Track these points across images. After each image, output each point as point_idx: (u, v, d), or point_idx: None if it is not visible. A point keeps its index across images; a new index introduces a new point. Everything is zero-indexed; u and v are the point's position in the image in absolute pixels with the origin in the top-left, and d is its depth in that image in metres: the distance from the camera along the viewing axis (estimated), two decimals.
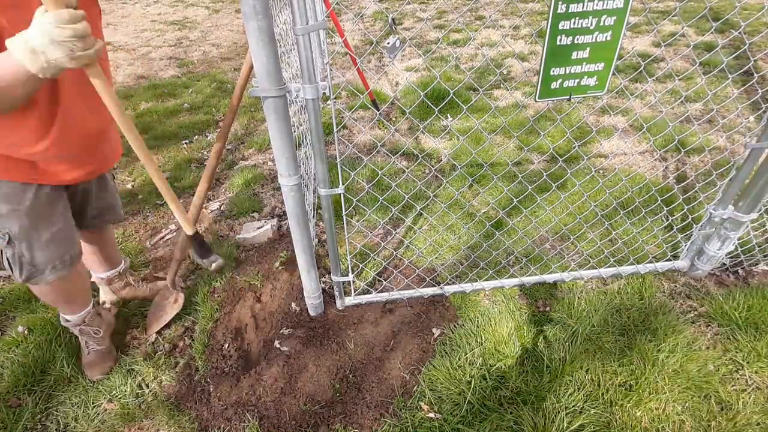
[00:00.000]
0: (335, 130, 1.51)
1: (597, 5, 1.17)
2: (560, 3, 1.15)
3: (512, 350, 1.66)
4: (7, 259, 1.25)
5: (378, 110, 3.41)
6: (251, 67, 1.15)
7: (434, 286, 1.89)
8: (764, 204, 1.66)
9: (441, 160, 2.89)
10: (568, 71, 1.29)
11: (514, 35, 5.24)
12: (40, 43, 0.86)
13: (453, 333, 1.74)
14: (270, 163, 2.99)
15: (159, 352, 1.72)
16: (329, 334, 1.76)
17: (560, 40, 1.22)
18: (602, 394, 1.52)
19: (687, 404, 1.48)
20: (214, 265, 1.69)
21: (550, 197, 2.43)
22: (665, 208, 2.04)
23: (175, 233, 2.35)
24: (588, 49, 1.25)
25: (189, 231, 1.56)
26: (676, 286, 1.93)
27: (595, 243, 2.08)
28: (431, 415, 1.48)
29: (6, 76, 0.89)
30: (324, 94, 1.16)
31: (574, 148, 2.74)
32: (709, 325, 1.75)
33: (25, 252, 1.25)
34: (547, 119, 3.34)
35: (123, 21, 6.60)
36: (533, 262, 2.01)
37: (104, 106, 1.10)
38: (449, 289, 1.86)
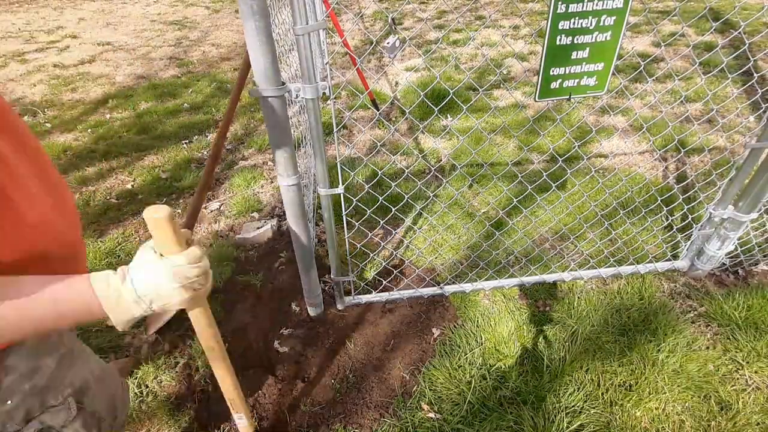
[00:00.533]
0: (335, 130, 1.51)
1: (597, 5, 1.17)
2: (560, 3, 1.15)
3: (512, 350, 1.66)
4: None
5: (378, 110, 3.41)
6: (249, 68, 1.14)
7: (434, 286, 1.89)
8: (764, 204, 1.66)
9: (441, 160, 2.89)
10: (567, 71, 1.29)
11: (514, 35, 5.24)
12: (164, 290, 0.68)
13: (453, 333, 1.74)
14: (270, 163, 2.99)
15: (159, 352, 1.72)
16: (329, 334, 1.76)
17: (560, 40, 1.22)
18: (602, 394, 1.51)
19: (687, 404, 1.48)
20: None
21: (550, 197, 2.43)
22: (665, 208, 2.04)
23: None
24: (588, 49, 1.25)
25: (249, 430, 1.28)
26: (676, 286, 1.92)
27: (595, 243, 2.08)
28: (431, 415, 1.48)
29: (65, 318, 0.64)
30: (324, 94, 1.16)
31: (574, 148, 2.74)
32: (709, 325, 1.75)
33: (99, 401, 0.88)
34: (547, 119, 3.34)
35: (123, 21, 6.60)
36: (533, 262, 2.01)
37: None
38: (449, 289, 1.86)
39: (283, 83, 1.11)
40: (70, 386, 0.81)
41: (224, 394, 1.10)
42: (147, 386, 1.60)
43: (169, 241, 0.70)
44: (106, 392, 0.91)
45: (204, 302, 0.87)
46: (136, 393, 1.58)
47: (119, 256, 2.17)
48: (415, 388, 1.56)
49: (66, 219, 0.78)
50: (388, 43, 3.11)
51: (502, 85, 3.89)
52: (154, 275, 0.68)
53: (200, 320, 0.89)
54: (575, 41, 1.23)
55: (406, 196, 1.83)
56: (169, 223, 0.68)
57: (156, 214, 0.67)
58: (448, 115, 3.47)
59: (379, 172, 1.72)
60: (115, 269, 0.69)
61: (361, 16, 6.19)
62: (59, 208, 0.77)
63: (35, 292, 0.62)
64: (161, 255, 0.70)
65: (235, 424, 1.48)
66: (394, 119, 3.50)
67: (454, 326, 1.77)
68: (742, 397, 1.49)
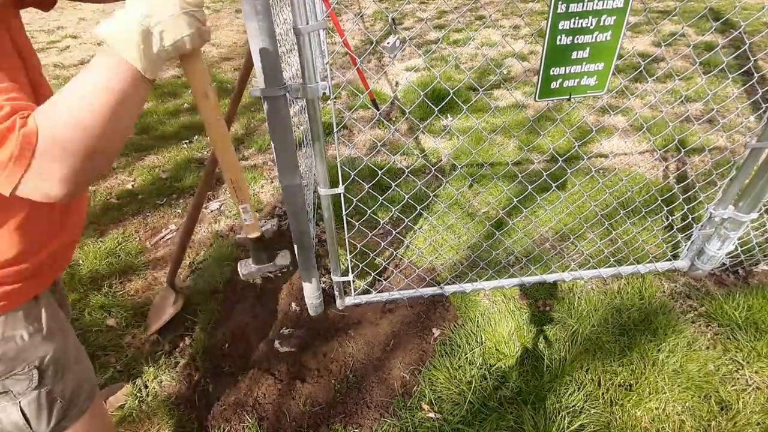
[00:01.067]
0: (335, 130, 1.51)
1: (597, 5, 1.17)
2: (560, 3, 1.15)
3: (512, 350, 1.66)
4: (22, 411, 0.84)
5: (378, 110, 3.41)
6: (250, 68, 1.15)
7: (434, 286, 1.89)
8: (764, 204, 1.66)
9: (441, 160, 2.89)
10: (568, 71, 1.29)
11: (514, 35, 5.24)
12: (162, 19, 0.62)
13: (453, 333, 1.74)
14: (270, 163, 2.99)
15: (159, 352, 1.72)
16: (329, 335, 1.76)
17: (560, 39, 1.22)
18: (602, 393, 1.52)
19: (687, 404, 1.48)
20: (281, 260, 1.30)
21: (550, 197, 2.43)
22: (665, 208, 2.04)
23: (174, 233, 2.35)
24: (588, 48, 1.25)
25: (254, 234, 1.22)
26: (676, 286, 1.92)
27: (595, 243, 2.08)
28: (431, 415, 1.48)
29: (111, 87, 0.60)
30: (324, 94, 1.16)
31: (574, 148, 2.74)
32: (709, 325, 1.75)
33: (58, 383, 0.88)
34: (547, 119, 3.34)
35: None
36: (533, 262, 2.01)
37: None
38: (449, 289, 1.86)
39: (284, 83, 1.11)
40: (38, 359, 0.83)
41: (224, 172, 0.92)
42: (147, 386, 1.60)
43: None
44: (73, 378, 0.91)
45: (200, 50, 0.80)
46: (136, 393, 1.58)
47: (119, 256, 2.17)
48: (415, 388, 1.56)
49: None
50: (388, 43, 3.11)
51: (502, 85, 3.89)
52: (143, 2, 0.62)
53: (194, 64, 0.80)
54: (575, 41, 1.23)
55: (406, 196, 1.83)
56: None
57: None
58: (448, 115, 3.47)
59: (380, 172, 1.72)
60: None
61: (361, 16, 6.19)
62: None
63: (86, 88, 0.60)
64: None
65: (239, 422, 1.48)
66: (394, 119, 3.50)
67: (455, 326, 1.77)
68: (743, 397, 1.49)
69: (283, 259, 1.26)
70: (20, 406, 0.83)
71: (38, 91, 0.78)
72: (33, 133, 0.55)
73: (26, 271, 0.78)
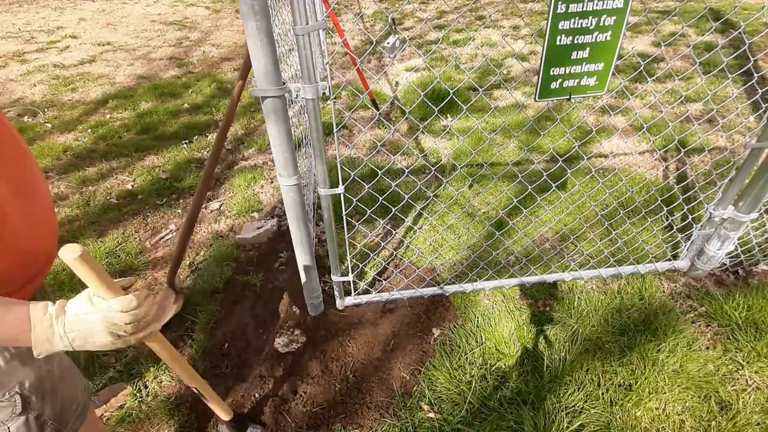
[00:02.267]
0: (335, 130, 1.51)
1: (597, 5, 1.17)
2: (560, 3, 1.15)
3: (512, 350, 1.66)
4: None
5: (378, 110, 3.41)
6: (250, 68, 1.15)
7: (434, 286, 1.89)
8: (764, 204, 1.66)
9: (441, 160, 2.89)
10: (567, 71, 1.29)
11: (514, 35, 5.24)
12: (85, 331, 0.70)
13: (453, 333, 1.74)
14: (270, 163, 2.99)
15: None
16: (329, 334, 1.76)
17: (560, 40, 1.22)
18: (602, 394, 1.51)
19: (687, 404, 1.48)
20: None
21: (550, 197, 2.43)
22: (665, 208, 2.04)
23: (174, 233, 2.35)
24: (588, 49, 1.25)
25: (226, 417, 1.36)
26: (676, 286, 1.92)
27: (595, 243, 2.08)
28: (431, 415, 1.48)
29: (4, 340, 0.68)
30: (324, 94, 1.16)
31: (574, 148, 2.74)
32: (709, 325, 1.75)
33: (46, 405, 0.86)
34: (547, 119, 3.34)
35: (123, 21, 6.60)
36: (533, 262, 2.01)
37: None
38: (449, 289, 1.86)
39: (284, 83, 1.11)
40: (18, 385, 0.81)
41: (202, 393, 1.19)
42: (147, 386, 1.60)
43: (93, 282, 0.71)
44: (61, 396, 0.90)
45: (156, 336, 0.92)
46: (135, 393, 1.58)
47: (119, 256, 2.17)
48: (415, 388, 1.56)
49: (35, 234, 0.80)
50: (388, 43, 3.11)
51: (502, 85, 3.89)
52: (86, 322, 0.71)
53: (154, 347, 0.93)
54: (575, 41, 1.23)
55: (406, 196, 1.83)
56: (83, 263, 0.68)
57: (70, 254, 0.66)
58: (449, 115, 3.47)
59: (380, 172, 1.72)
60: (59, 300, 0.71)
61: (361, 16, 6.19)
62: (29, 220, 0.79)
63: None
64: (100, 298, 0.73)
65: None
66: (394, 119, 3.50)
67: (455, 326, 1.77)
68: (742, 397, 1.49)
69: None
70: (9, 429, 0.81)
71: None
72: None
73: None
